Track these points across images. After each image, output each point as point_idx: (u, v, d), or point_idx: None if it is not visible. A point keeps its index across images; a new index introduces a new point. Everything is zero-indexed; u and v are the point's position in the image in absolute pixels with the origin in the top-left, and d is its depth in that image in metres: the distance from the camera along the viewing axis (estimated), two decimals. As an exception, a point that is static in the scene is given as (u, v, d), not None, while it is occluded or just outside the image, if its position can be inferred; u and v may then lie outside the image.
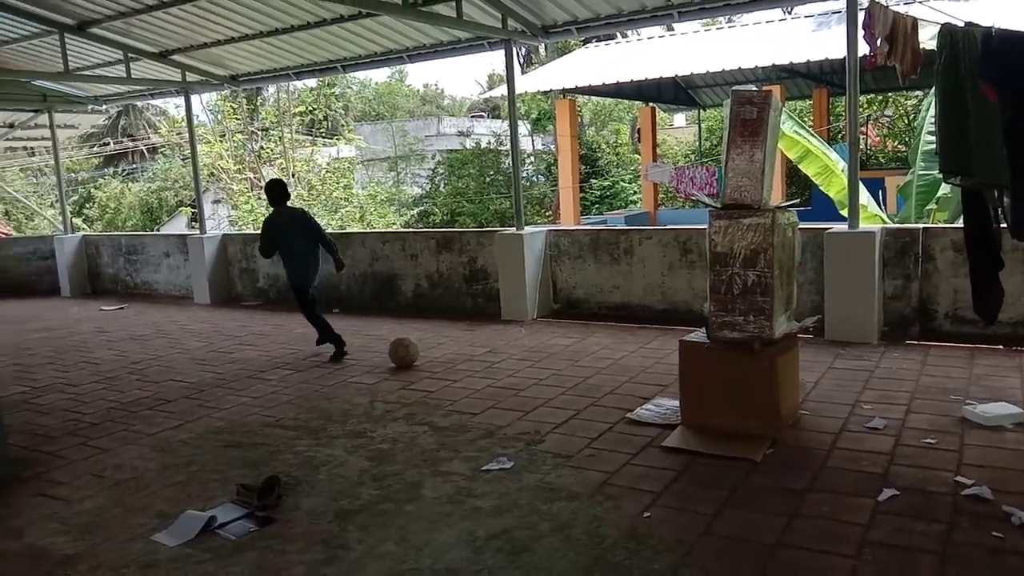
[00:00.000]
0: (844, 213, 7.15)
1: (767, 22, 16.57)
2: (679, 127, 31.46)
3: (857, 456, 4.19)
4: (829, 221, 8.38)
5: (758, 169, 4.55)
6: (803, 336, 6.36)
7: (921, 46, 5.62)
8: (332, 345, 7.43)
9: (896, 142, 22.42)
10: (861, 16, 5.79)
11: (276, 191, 7.47)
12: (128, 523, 3.87)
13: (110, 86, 12.15)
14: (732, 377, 4.61)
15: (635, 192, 23.45)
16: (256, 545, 3.57)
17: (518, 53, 29.33)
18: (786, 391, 4.64)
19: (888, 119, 23.45)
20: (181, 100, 12.16)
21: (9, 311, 11.58)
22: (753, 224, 4.49)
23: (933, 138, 5.87)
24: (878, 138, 23.27)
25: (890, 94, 21.20)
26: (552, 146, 23.01)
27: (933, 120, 5.91)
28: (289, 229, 7.44)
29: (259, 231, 7.79)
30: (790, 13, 16.04)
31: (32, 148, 24.83)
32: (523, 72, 25.86)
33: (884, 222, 8.71)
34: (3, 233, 18.93)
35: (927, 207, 9.38)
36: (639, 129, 21.57)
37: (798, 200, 9.67)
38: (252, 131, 24.80)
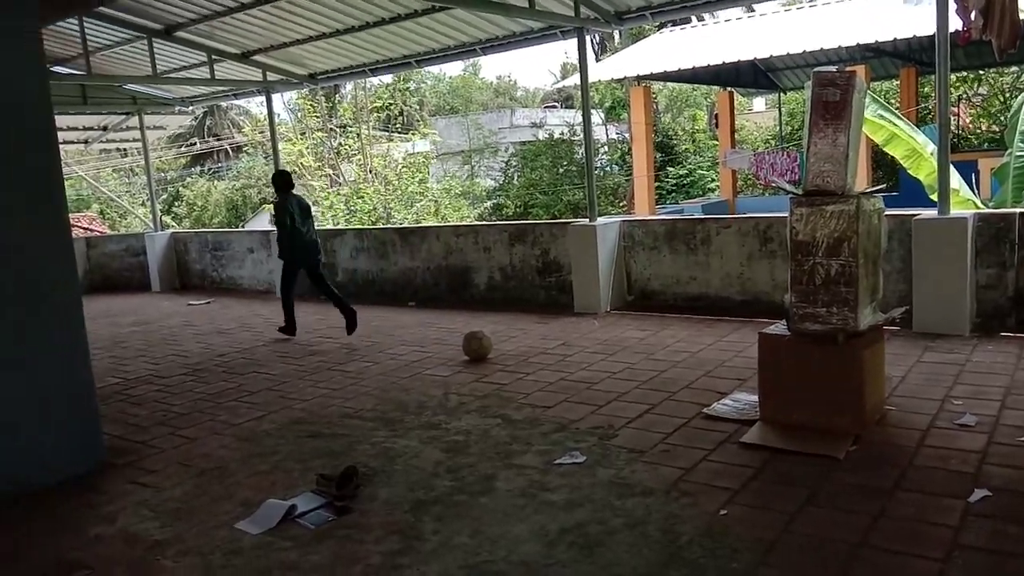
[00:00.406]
0: (934, 198, 6.82)
1: (850, 0, 15.93)
2: (759, 111, 30.64)
3: (946, 454, 4.00)
4: (919, 207, 8.01)
5: (841, 153, 4.37)
6: (890, 328, 6.11)
7: (1022, 16, 5.29)
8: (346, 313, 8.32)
9: (991, 122, 21.27)
10: (953, -11, 5.49)
11: (283, 180, 8.46)
12: (214, 511, 4.01)
13: (195, 87, 12.61)
14: (814, 371, 4.45)
15: (713, 180, 22.96)
16: (334, 534, 3.64)
17: (592, 41, 29.05)
18: (871, 385, 4.45)
19: (982, 98, 22.26)
20: (263, 99, 12.51)
21: (104, 306, 12.17)
22: (836, 211, 4.33)
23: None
24: (970, 119, 22.13)
25: (983, 71, 20.10)
26: (626, 135, 22.72)
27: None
28: (301, 212, 8.33)
29: (337, 227, 8.08)
30: (875, -10, 15.39)
31: (124, 149, 26.00)
32: (597, 60, 25.60)
33: (977, 207, 8.29)
34: (97, 231, 19.88)
35: (1025, 190, 8.88)
36: (717, 115, 21.10)
37: (884, 185, 9.31)
38: (331, 128, 25.37)
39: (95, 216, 25.28)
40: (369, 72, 11.16)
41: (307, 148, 24.07)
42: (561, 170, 23.65)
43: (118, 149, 25.98)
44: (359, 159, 24.41)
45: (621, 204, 22.74)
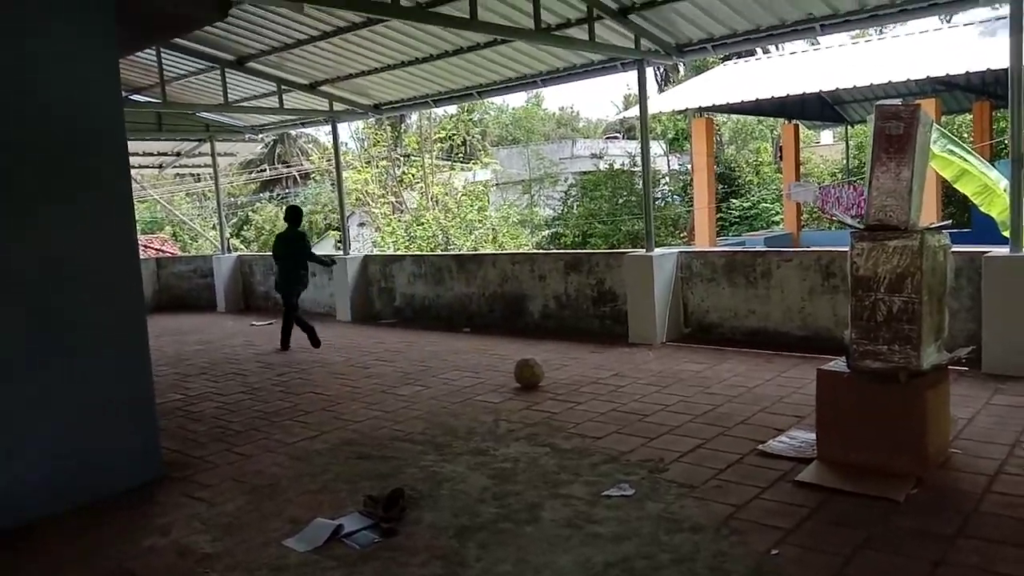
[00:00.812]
0: (1007, 235, 6.58)
1: (921, 32, 15.61)
2: (826, 144, 30.12)
3: (1015, 501, 3.81)
4: (992, 244, 7.73)
5: (905, 188, 4.27)
6: (957, 368, 5.89)
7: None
8: (282, 341, 9.63)
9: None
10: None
11: (290, 214, 9.75)
12: (263, 527, 4.07)
13: (265, 116, 13.05)
14: (874, 410, 4.31)
15: (777, 213, 22.59)
16: (379, 555, 3.66)
17: (656, 72, 29.07)
18: (934, 427, 4.28)
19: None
20: (330, 128, 12.86)
21: (171, 324, 12.58)
22: (899, 246, 4.21)
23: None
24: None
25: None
26: (688, 166, 22.58)
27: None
28: (281, 246, 9.59)
29: (396, 252, 8.36)
30: (948, 22, 15.06)
31: (197, 174, 26.97)
32: (660, 91, 25.59)
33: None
34: (169, 252, 20.58)
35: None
36: (781, 147, 20.81)
37: (950, 221, 9.02)
38: (396, 157, 25.89)
39: (167, 238, 26.20)
40: (432, 103, 11.38)
41: (372, 176, 24.59)
42: (621, 200, 23.59)
43: (191, 174, 26.99)
44: (421, 187, 24.82)
45: (681, 235, 22.54)
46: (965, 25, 14.58)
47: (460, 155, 30.65)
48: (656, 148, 27.38)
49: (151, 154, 15.32)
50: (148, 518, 4.31)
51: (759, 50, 18.90)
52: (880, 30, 19.95)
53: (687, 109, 16.92)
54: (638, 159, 22.61)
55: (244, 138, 14.72)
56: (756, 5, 7.39)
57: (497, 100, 34.32)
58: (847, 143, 21.54)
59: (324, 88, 11.15)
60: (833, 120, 20.23)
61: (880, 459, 4.23)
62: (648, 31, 8.14)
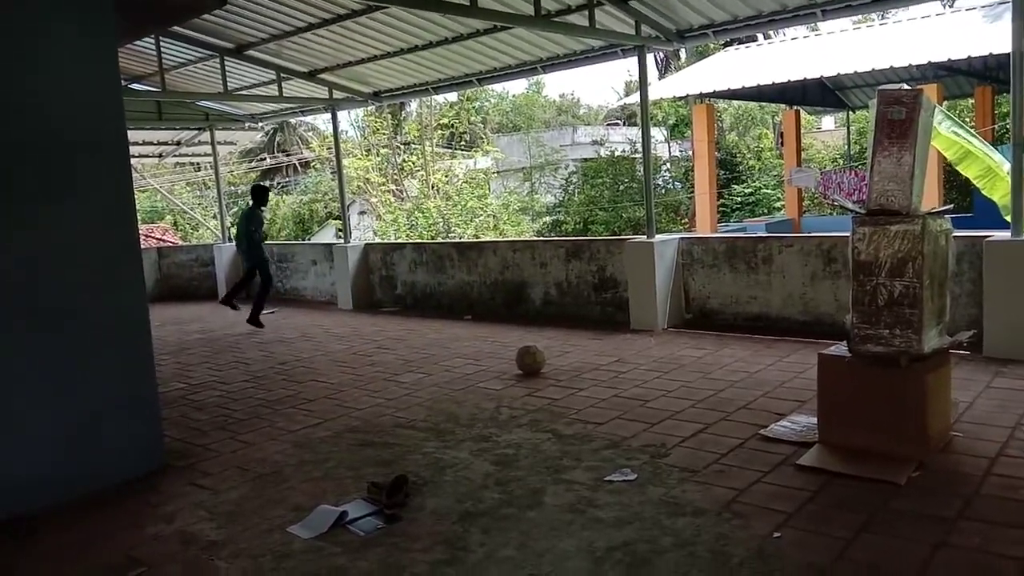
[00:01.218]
0: (1009, 219, 6.57)
1: (923, 17, 15.53)
2: (827, 130, 30.04)
3: (1016, 484, 3.83)
4: (993, 229, 7.72)
5: (906, 173, 4.26)
6: (958, 352, 5.88)
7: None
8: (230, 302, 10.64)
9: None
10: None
11: (264, 193, 10.82)
12: (267, 514, 4.09)
13: (264, 104, 13.01)
14: (876, 394, 4.32)
15: (779, 199, 22.56)
16: (383, 541, 3.68)
17: (656, 59, 28.94)
18: (935, 410, 4.29)
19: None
20: (329, 116, 12.83)
21: (173, 313, 12.60)
22: (900, 231, 4.21)
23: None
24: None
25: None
26: (690, 152, 22.53)
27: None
28: (241, 220, 10.60)
29: (397, 240, 8.37)
30: (950, 7, 14.99)
31: (198, 163, 26.92)
32: (661, 78, 25.49)
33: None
34: (170, 242, 20.57)
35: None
36: (782, 133, 20.76)
37: (952, 206, 9.00)
38: (396, 145, 25.82)
39: (168, 227, 26.19)
40: (432, 90, 11.35)
41: (373, 165, 24.55)
42: (622, 187, 23.56)
43: (191, 163, 26.93)
44: (422, 175, 24.78)
45: (683, 221, 22.52)
46: (968, 10, 14.50)
47: (461, 143, 30.58)
48: (657, 134, 27.31)
49: (151, 143, 15.30)
50: (152, 507, 4.33)
51: (760, 36, 18.83)
52: (882, 15, 19.86)
53: (688, 95, 16.88)
54: (639, 145, 22.58)
55: (244, 127, 14.69)
56: (757, -10, 7.36)
57: (497, 87, 34.21)
58: (848, 129, 21.48)
59: (323, 76, 11.12)
60: (834, 106, 20.17)
61: (881, 442, 4.24)
62: (648, 17, 8.10)
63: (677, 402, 5.66)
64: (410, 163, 25.59)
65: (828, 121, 29.02)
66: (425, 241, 16.20)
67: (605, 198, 23.44)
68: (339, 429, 5.55)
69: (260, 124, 15.32)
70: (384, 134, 25.50)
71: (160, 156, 16.49)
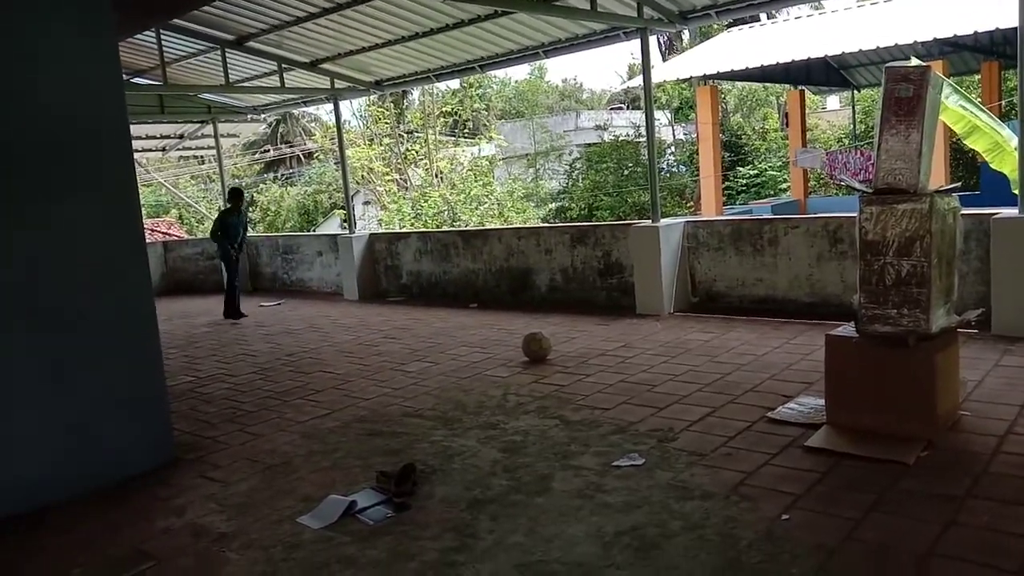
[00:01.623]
0: (1018, 191, 6.51)
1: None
2: (832, 110, 29.88)
3: (1026, 462, 3.82)
4: (1001, 206, 7.66)
5: (914, 151, 4.22)
6: (966, 331, 5.87)
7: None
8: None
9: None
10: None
11: (229, 195, 11.46)
12: (277, 505, 4.11)
13: (266, 96, 13.00)
14: (883, 374, 4.31)
15: (785, 180, 22.45)
16: (392, 530, 3.69)
17: (660, 41, 28.75)
18: (944, 389, 4.28)
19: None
20: (331, 106, 12.80)
21: (180, 307, 12.64)
22: (908, 210, 4.18)
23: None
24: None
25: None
26: (694, 135, 22.41)
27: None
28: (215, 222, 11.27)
29: (402, 230, 8.36)
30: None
31: (201, 156, 26.92)
32: (664, 60, 25.33)
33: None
34: (175, 236, 20.61)
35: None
36: (787, 114, 20.64)
37: (959, 184, 8.93)
38: (399, 134, 25.77)
39: (173, 221, 26.23)
40: (434, 78, 11.29)
41: (376, 154, 24.51)
42: (626, 172, 23.48)
43: (195, 156, 26.93)
44: (425, 163, 24.73)
45: (688, 205, 22.44)
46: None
47: (464, 130, 30.49)
48: (661, 118, 27.18)
49: (154, 137, 15.30)
50: (163, 500, 4.35)
51: (763, 15, 18.68)
52: (886, -9, 19.63)
53: (691, 77, 16.79)
54: (643, 129, 22.56)
55: (246, 119, 14.66)
56: (759, -31, 7.29)
57: (499, 73, 34.03)
58: (853, 108, 21.33)
59: (325, 66, 11.08)
60: (839, 85, 20.03)
61: (889, 422, 4.23)
62: (650, -2, 8.04)
63: (684, 386, 5.65)
64: (414, 152, 25.54)
65: (833, 101, 28.87)
66: (430, 230, 16.19)
67: (610, 183, 23.38)
68: (347, 419, 5.57)
69: (262, 116, 15.31)
70: (387, 123, 25.44)
71: (163, 150, 16.50)
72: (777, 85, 22.83)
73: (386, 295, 11.91)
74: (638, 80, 16.43)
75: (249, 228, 11.65)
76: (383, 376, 6.79)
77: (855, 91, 20.38)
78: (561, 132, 28.34)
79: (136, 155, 12.01)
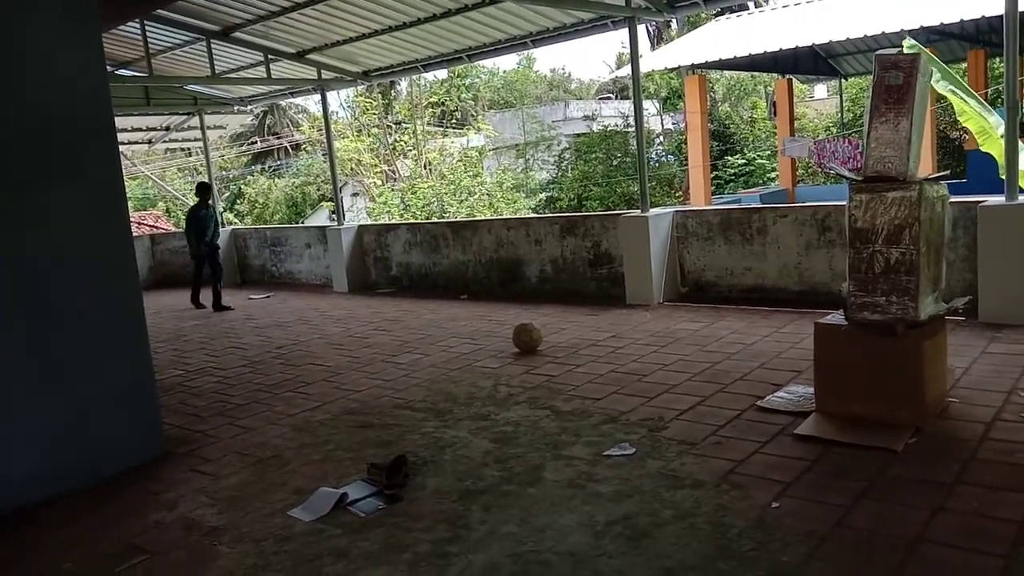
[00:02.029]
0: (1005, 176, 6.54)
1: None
2: (820, 99, 29.95)
3: (1012, 448, 3.85)
4: (987, 194, 7.70)
5: (903, 139, 4.23)
6: (954, 318, 5.91)
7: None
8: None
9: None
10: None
11: (198, 188, 11.58)
12: (268, 498, 4.10)
13: (253, 87, 12.91)
14: (872, 362, 4.32)
15: (774, 169, 22.52)
16: (384, 522, 3.69)
17: (648, 31, 28.72)
18: (932, 377, 4.30)
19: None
20: (319, 97, 12.72)
21: (167, 300, 12.57)
22: (897, 198, 4.18)
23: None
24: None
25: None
26: (682, 125, 22.44)
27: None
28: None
29: (391, 221, 8.34)
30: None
31: (188, 149, 26.74)
32: (653, 50, 25.30)
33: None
34: (163, 229, 20.46)
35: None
36: (775, 102, 20.67)
37: (948, 172, 8.98)
38: (387, 125, 25.66)
39: (160, 214, 26.05)
40: (421, 68, 11.24)
41: (365, 146, 24.41)
42: (615, 162, 23.48)
43: (182, 149, 26.75)
44: (414, 154, 24.65)
45: (677, 195, 22.48)
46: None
47: (452, 121, 30.40)
48: (650, 107, 27.18)
49: (140, 129, 15.18)
50: (154, 494, 4.34)
51: (752, 4, 18.68)
52: (873, -20, 19.65)
53: (680, 67, 16.77)
54: (631, 119, 22.54)
55: (233, 110, 14.56)
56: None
57: (488, 63, 33.90)
58: (841, 96, 21.40)
59: (312, 56, 11.00)
60: (827, 74, 20.08)
61: (878, 410, 4.25)
62: (638, -13, 8.02)
63: (674, 375, 5.66)
64: (402, 143, 25.45)
65: (821, 89, 28.95)
66: (419, 221, 16.16)
67: (599, 173, 23.38)
68: (338, 412, 5.56)
69: (249, 107, 15.20)
70: (375, 114, 25.33)
71: (150, 142, 16.37)
72: (765, 74, 22.89)
73: (376, 287, 11.88)
74: (626, 70, 16.41)
75: (221, 221, 11.91)
76: (374, 368, 6.77)
77: (843, 80, 20.45)
78: (550, 122, 28.30)
79: (122, 148, 11.95)
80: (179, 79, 12.22)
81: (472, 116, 30.88)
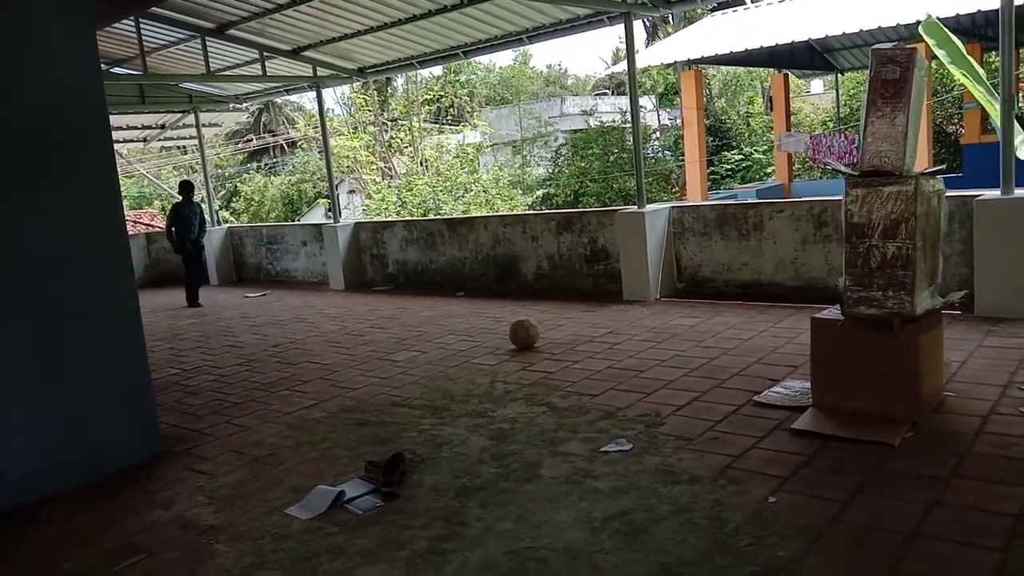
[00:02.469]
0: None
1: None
2: (816, 94, 29.95)
3: (1008, 441, 3.85)
4: (984, 189, 7.70)
5: (900, 133, 4.23)
6: (950, 312, 5.92)
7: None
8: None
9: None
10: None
11: (181, 187, 11.83)
12: (265, 497, 4.09)
13: (248, 84, 12.87)
14: (869, 356, 4.33)
15: (770, 164, 22.52)
16: (381, 519, 3.69)
17: (645, 26, 28.71)
18: (928, 371, 4.31)
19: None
20: (315, 94, 12.70)
21: (163, 299, 12.55)
22: (894, 192, 4.19)
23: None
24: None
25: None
26: (679, 120, 22.42)
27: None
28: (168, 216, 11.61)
29: (387, 218, 8.34)
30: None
31: (183, 147, 26.70)
32: (649, 45, 25.29)
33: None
34: (158, 227, 20.42)
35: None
36: (771, 98, 20.67)
37: (944, 166, 8.97)
38: (383, 122, 25.62)
39: (156, 212, 25.98)
40: (417, 65, 11.21)
41: (362, 143, 24.37)
42: (612, 158, 23.47)
43: (177, 147, 26.69)
44: (410, 151, 24.63)
45: (673, 190, 22.47)
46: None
47: (448, 117, 30.37)
48: (646, 103, 27.16)
49: (135, 128, 15.13)
50: (150, 493, 4.33)
51: (748, 0, 18.65)
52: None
53: (676, 62, 16.75)
54: (628, 115, 22.47)
55: (228, 108, 14.53)
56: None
57: (483, 59, 33.94)
58: (837, 91, 21.39)
59: (307, 53, 10.98)
60: (823, 68, 20.07)
61: (875, 404, 4.25)
62: (634, -18, 8.01)
63: (671, 371, 5.66)
64: (398, 140, 25.42)
65: (817, 84, 28.94)
66: (415, 218, 16.13)
67: (595, 169, 23.36)
68: (334, 409, 5.55)
69: (245, 105, 15.16)
70: (371, 111, 25.29)
71: (145, 140, 16.33)
72: (761, 69, 22.87)
73: (372, 284, 11.86)
74: (623, 65, 16.40)
75: (212, 220, 12.33)
76: (370, 366, 6.77)
77: (839, 74, 20.44)
78: (547, 119, 28.28)
79: (117, 146, 11.91)
80: (174, 77, 12.18)
81: (468, 113, 30.86)
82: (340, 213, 13.33)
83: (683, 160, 19.13)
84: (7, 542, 3.89)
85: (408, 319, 8.79)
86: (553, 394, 5.38)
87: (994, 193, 6.41)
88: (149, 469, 4.69)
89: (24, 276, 4.34)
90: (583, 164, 24.02)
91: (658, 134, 26.61)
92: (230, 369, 7.16)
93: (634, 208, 8.64)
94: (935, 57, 14.71)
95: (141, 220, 21.21)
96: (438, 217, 16.20)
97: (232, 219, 28.31)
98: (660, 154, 25.53)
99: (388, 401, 5.62)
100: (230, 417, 5.62)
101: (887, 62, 4.28)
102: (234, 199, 32.55)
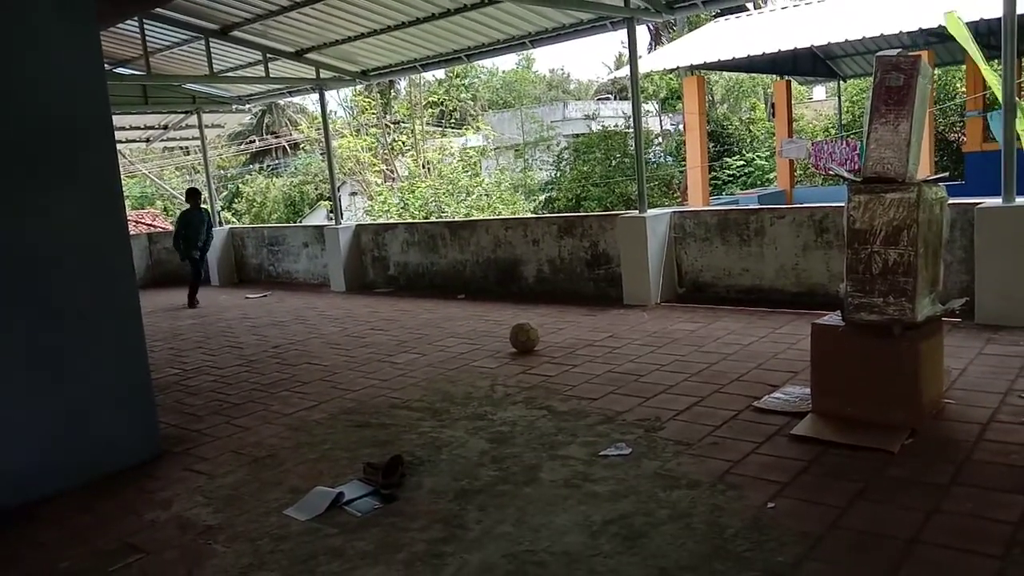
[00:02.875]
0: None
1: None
2: (819, 100, 29.97)
3: (1008, 449, 3.85)
4: (986, 196, 7.70)
5: (903, 140, 4.23)
6: (950, 320, 5.92)
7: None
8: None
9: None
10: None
11: (188, 194, 11.97)
12: (264, 498, 4.09)
13: (251, 86, 12.90)
14: (869, 363, 4.32)
15: (772, 170, 22.53)
16: (380, 521, 3.68)
17: (649, 31, 28.75)
18: (928, 378, 4.30)
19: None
20: (317, 96, 12.72)
21: (165, 299, 12.56)
22: (896, 199, 4.18)
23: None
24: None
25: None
26: (681, 125, 22.45)
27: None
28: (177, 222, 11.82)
29: (389, 221, 8.34)
30: (940, -28, 14.84)
31: (186, 147, 26.73)
32: (652, 50, 25.33)
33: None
34: (160, 227, 20.44)
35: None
36: (774, 104, 20.69)
37: (947, 173, 8.98)
38: (386, 124, 25.66)
39: (158, 212, 26.01)
40: (420, 68, 11.24)
41: (365, 145, 24.41)
42: (614, 162, 23.49)
43: (180, 147, 26.73)
44: (412, 154, 24.66)
45: (675, 195, 22.48)
46: (958, -26, 14.35)
47: (451, 121, 30.41)
48: (648, 108, 27.18)
49: (138, 128, 15.16)
50: (149, 493, 4.33)
51: (751, 5, 18.69)
52: (872, -19, 19.66)
53: (678, 67, 16.76)
54: (630, 120, 22.48)
55: (231, 109, 14.56)
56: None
57: (487, 63, 33.92)
58: (839, 98, 21.40)
59: (310, 56, 11.00)
60: (825, 75, 20.09)
61: (874, 411, 4.25)
62: (637, -12, 8.02)
63: (671, 376, 5.66)
64: (400, 142, 25.45)
65: (819, 91, 28.96)
66: (417, 221, 16.15)
67: (597, 173, 23.38)
68: (334, 411, 5.55)
69: (247, 106, 15.19)
70: (373, 114, 25.33)
71: (147, 141, 16.35)
72: (764, 75, 22.91)
73: (373, 286, 11.87)
74: (625, 70, 16.41)
75: (215, 222, 12.63)
76: (370, 368, 6.77)
77: (841, 81, 20.45)
78: (549, 123, 28.30)
79: (119, 146, 11.89)
80: (177, 78, 12.21)
81: (471, 116, 30.89)
82: (342, 215, 13.34)
83: (685, 165, 19.14)
84: (7, 541, 3.88)
85: (408, 321, 8.79)
86: (553, 398, 5.38)
87: (995, 201, 6.41)
88: (149, 469, 4.69)
89: (24, 276, 4.34)
90: (585, 168, 24.03)
91: (660, 139, 26.65)
92: (230, 370, 7.17)
93: (636, 213, 8.65)
94: (938, 65, 14.62)
95: (143, 220, 21.22)
96: (440, 220, 16.21)
97: (234, 220, 28.32)
98: (662, 159, 25.56)
99: (388, 403, 5.62)
100: (230, 418, 5.62)
101: (891, 69, 4.29)
102: (236, 200, 32.57)
